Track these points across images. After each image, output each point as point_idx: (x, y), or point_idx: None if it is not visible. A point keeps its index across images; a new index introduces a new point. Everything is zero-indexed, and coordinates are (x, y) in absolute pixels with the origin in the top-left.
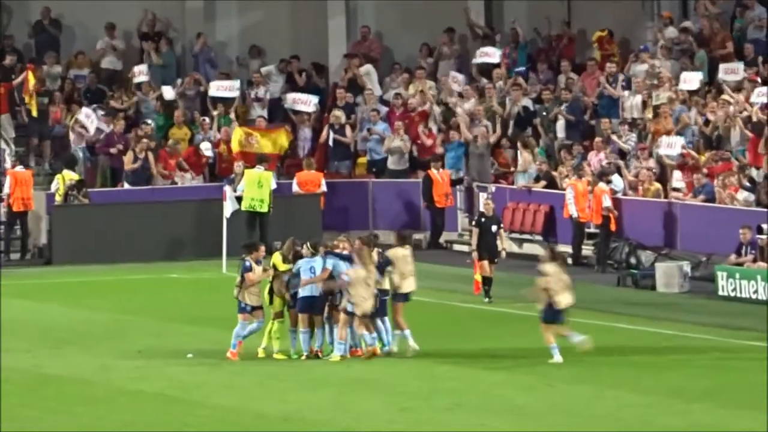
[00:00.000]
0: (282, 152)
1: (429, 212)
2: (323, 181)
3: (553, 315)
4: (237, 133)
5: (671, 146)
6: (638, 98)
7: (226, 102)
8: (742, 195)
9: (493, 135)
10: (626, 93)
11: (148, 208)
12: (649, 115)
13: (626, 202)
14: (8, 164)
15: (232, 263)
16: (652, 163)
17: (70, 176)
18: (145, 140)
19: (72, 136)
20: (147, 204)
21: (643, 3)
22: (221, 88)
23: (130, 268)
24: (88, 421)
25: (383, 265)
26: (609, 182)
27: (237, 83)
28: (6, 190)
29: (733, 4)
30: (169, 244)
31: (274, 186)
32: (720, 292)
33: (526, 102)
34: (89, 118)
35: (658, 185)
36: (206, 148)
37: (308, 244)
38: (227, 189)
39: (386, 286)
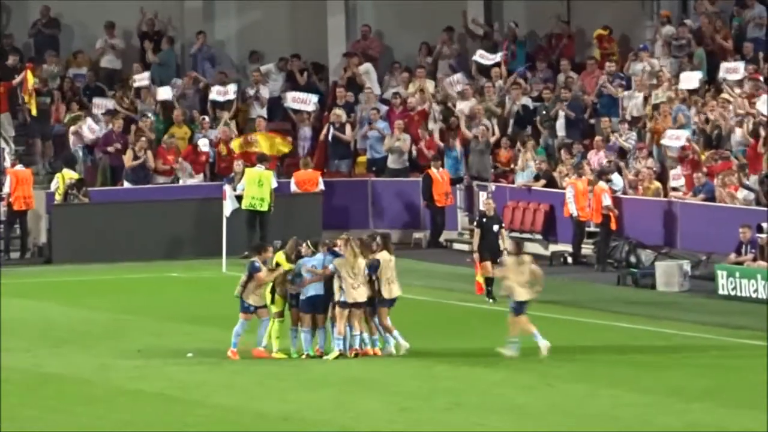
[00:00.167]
0: (279, 155)
1: (429, 211)
2: (321, 180)
3: (519, 306)
4: (236, 141)
5: (677, 138)
6: (638, 97)
7: (225, 105)
8: (742, 194)
9: (492, 137)
10: (626, 93)
11: (147, 207)
12: (649, 113)
13: (626, 200)
14: (8, 163)
15: (232, 262)
16: (651, 162)
17: (69, 175)
18: (144, 138)
19: (71, 138)
20: (147, 203)
21: (643, 2)
22: (220, 93)
23: (130, 267)
24: (87, 421)
25: (372, 269)
26: (609, 181)
27: (234, 87)
28: (6, 189)
29: (732, 3)
30: (169, 243)
31: (274, 185)
32: (720, 291)
33: (526, 101)
34: (93, 132)
35: (658, 184)
36: (203, 144)
37: (308, 242)
38: (227, 188)
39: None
